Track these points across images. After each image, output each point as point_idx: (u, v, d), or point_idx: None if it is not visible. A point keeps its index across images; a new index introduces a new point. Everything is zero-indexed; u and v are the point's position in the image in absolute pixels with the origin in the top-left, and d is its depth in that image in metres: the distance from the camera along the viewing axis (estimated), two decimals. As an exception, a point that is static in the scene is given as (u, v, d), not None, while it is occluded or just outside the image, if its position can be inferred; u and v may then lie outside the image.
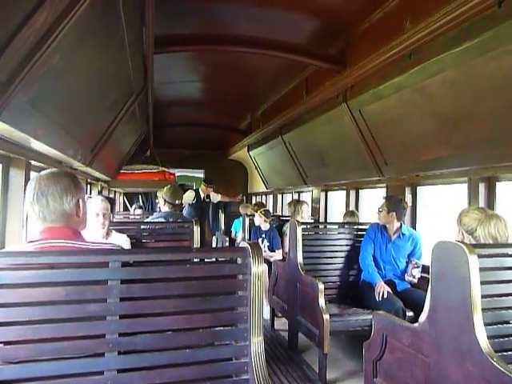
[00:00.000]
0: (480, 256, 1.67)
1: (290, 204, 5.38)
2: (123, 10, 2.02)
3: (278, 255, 4.92)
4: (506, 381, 1.44)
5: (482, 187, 3.10)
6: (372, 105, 3.62)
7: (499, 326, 1.73)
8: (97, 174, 4.85)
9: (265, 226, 5.19)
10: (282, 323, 4.21)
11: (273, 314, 4.35)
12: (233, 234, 7.10)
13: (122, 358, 1.34)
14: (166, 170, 6.97)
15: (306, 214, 5.20)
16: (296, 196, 7.11)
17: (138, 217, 5.93)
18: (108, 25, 2.09)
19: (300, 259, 3.51)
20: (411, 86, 3.07)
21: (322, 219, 5.88)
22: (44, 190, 1.41)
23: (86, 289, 1.31)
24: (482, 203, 3.06)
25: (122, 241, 2.85)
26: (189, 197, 6.51)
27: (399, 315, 2.91)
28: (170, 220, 3.54)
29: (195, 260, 1.69)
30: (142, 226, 3.44)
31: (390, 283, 3.37)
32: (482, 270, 1.67)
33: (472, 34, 2.42)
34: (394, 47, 2.93)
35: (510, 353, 1.70)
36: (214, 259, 1.74)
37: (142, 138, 6.36)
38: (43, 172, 1.48)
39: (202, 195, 6.73)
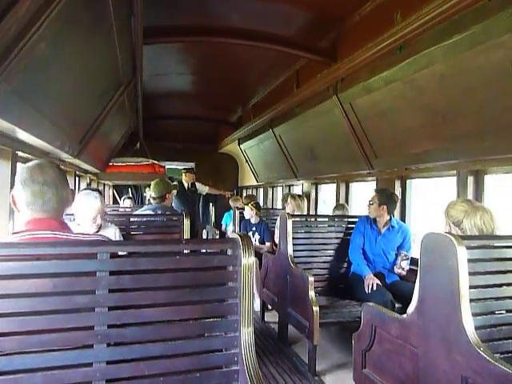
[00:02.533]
0: (468, 247, 1.69)
1: (293, 197, 5.19)
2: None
3: (266, 247, 4.93)
4: (492, 370, 1.47)
5: (470, 180, 3.13)
6: (362, 98, 3.63)
7: (487, 316, 1.76)
8: (85, 166, 4.79)
9: (255, 219, 5.20)
10: (272, 315, 4.23)
11: (263, 307, 4.36)
12: (223, 227, 7.10)
13: (111, 350, 1.33)
14: (156, 162, 6.90)
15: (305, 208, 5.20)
16: (287, 189, 7.12)
17: (128, 209, 5.87)
18: (95, 13, 2.05)
19: (290, 252, 3.53)
20: (401, 79, 3.08)
21: (312, 212, 5.90)
22: (30, 182, 1.38)
23: (74, 280, 1.29)
24: (470, 196, 3.09)
25: (112, 232, 2.82)
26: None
27: (388, 307, 2.92)
28: (158, 212, 3.51)
29: (185, 252, 1.68)
30: (131, 219, 3.41)
31: (379, 275, 3.41)
32: (470, 261, 1.69)
33: (462, 27, 2.42)
34: (385, 40, 2.92)
35: (496, 342, 1.73)
36: (204, 251, 1.73)
37: (132, 130, 6.29)
38: (30, 163, 1.45)
39: (186, 185, 6.64)
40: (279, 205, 7.47)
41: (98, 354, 1.31)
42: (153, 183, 3.73)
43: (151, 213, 3.58)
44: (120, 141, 6.08)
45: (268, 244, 5.14)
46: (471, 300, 1.67)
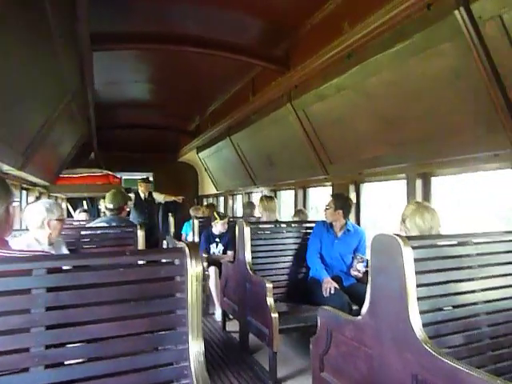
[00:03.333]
0: (414, 247, 1.74)
1: (261, 199, 4.90)
2: (49, 2, 1.90)
3: (228, 257, 4.87)
4: (440, 365, 1.51)
5: (418, 183, 3.25)
6: (315, 105, 3.70)
7: (434, 313, 1.81)
8: (33, 179, 4.55)
9: (221, 230, 5.03)
10: (233, 325, 4.17)
11: (224, 316, 4.30)
12: (183, 238, 6.97)
13: (50, 372, 1.25)
14: (111, 173, 6.69)
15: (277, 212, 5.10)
16: (247, 197, 7.12)
17: (83, 222, 5.64)
18: (31, 18, 1.95)
19: (249, 259, 3.50)
20: (351, 86, 3.17)
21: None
22: None
23: (5, 300, 1.20)
24: (419, 198, 3.21)
25: (63, 247, 2.68)
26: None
27: (345, 310, 2.96)
28: (113, 224, 3.39)
29: (138, 263, 1.62)
30: (83, 232, 3.27)
31: (336, 279, 3.44)
32: (416, 260, 1.73)
33: (405, 35, 2.53)
34: (334, 48, 3.01)
35: (444, 338, 1.78)
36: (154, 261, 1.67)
37: (84, 140, 6.07)
38: None
39: (143, 195, 6.49)
40: (240, 213, 7.45)
41: (34, 378, 1.23)
42: (108, 194, 3.59)
43: (105, 225, 3.45)
44: (71, 151, 5.84)
45: (230, 253, 5.03)
46: (419, 298, 1.71)
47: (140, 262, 1.56)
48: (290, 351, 3.60)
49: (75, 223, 5.47)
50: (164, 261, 1.51)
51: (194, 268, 1.38)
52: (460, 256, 1.97)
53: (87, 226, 3.61)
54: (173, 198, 7.44)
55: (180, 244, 1.48)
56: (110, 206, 3.49)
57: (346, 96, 3.31)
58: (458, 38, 2.20)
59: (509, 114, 2.22)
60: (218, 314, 4.59)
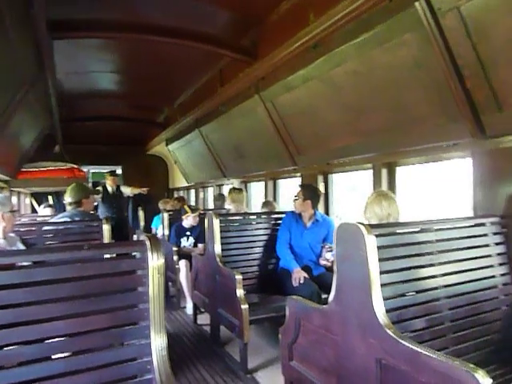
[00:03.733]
0: (377, 235, 1.77)
1: (229, 191, 5.01)
2: None
3: (198, 250, 4.82)
4: (401, 348, 1.55)
5: (384, 172, 3.31)
6: (283, 95, 3.69)
7: (397, 298, 1.86)
8: None
9: (192, 224, 4.98)
10: (205, 318, 4.15)
11: (195, 310, 4.27)
12: (153, 231, 6.86)
13: (3, 374, 1.19)
14: (76, 166, 6.47)
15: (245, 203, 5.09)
16: (217, 189, 7.07)
17: (48, 218, 5.44)
18: None
19: (218, 251, 3.48)
20: (318, 76, 3.18)
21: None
22: None
23: None
24: (384, 187, 3.27)
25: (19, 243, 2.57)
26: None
27: (314, 299, 3.00)
28: (76, 219, 3.28)
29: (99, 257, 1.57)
30: (45, 227, 3.15)
31: (306, 269, 3.48)
32: (379, 248, 1.77)
33: (369, 26, 2.55)
34: (300, 38, 3.00)
35: (406, 322, 1.84)
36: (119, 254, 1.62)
37: (47, 132, 5.84)
38: None
39: (110, 189, 6.33)
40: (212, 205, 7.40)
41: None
42: (68, 188, 3.48)
43: (68, 220, 3.33)
44: (33, 144, 5.60)
45: (201, 246, 4.98)
46: (382, 285, 1.75)
47: (106, 256, 1.51)
48: (261, 342, 3.62)
49: (39, 219, 5.28)
50: (126, 254, 1.47)
51: (155, 261, 1.35)
52: (421, 242, 2.03)
53: (50, 221, 3.48)
54: (138, 190, 7.31)
55: (142, 237, 1.44)
56: (69, 199, 3.38)
57: (312, 87, 3.32)
58: (418, 29, 2.24)
59: (467, 103, 2.28)
60: (189, 308, 4.56)
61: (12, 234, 2.56)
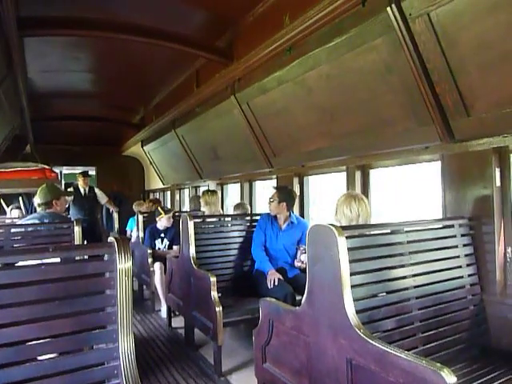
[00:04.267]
0: (348, 237, 1.79)
1: (203, 194, 5.04)
2: None
3: (173, 252, 4.77)
4: (371, 348, 1.56)
5: (357, 175, 3.36)
6: (258, 97, 3.70)
7: (368, 299, 1.88)
8: None
9: (166, 225, 4.92)
10: (179, 321, 4.10)
11: (170, 313, 4.22)
12: (128, 234, 6.74)
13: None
14: (47, 167, 6.29)
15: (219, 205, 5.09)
16: (193, 191, 7.02)
17: (16, 220, 5.26)
18: None
19: (193, 254, 3.44)
20: (292, 79, 3.20)
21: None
22: None
23: None
24: (358, 189, 3.32)
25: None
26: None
27: (288, 300, 3.01)
28: (46, 221, 3.18)
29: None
30: (13, 230, 3.05)
31: (281, 270, 3.48)
32: (350, 249, 1.78)
33: (341, 30, 2.59)
34: (276, 41, 3.03)
35: (377, 323, 1.86)
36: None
37: (17, 132, 5.65)
38: None
39: (82, 190, 6.17)
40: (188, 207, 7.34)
41: None
42: (43, 188, 3.38)
43: (37, 222, 3.23)
44: (2, 144, 5.42)
45: (175, 248, 4.94)
46: (353, 286, 1.77)
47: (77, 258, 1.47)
48: (236, 344, 3.60)
49: (7, 221, 5.11)
50: (93, 256, 1.43)
51: (123, 263, 1.32)
52: (392, 244, 2.06)
53: (18, 223, 3.36)
54: (112, 207, 7.15)
55: (110, 238, 1.41)
56: (39, 200, 3.27)
57: (287, 89, 3.34)
58: (389, 34, 2.29)
59: (437, 108, 2.34)
60: (163, 311, 4.49)
61: None
